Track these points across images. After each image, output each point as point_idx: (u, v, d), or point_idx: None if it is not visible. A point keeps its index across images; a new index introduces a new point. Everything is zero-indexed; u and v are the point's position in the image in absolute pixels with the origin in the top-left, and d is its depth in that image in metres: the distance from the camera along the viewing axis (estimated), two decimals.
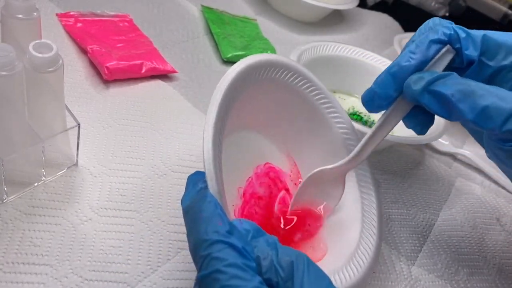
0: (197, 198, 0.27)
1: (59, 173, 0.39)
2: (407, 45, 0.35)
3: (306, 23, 0.79)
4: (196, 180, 0.29)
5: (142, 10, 0.64)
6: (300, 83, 0.40)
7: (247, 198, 0.39)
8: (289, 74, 0.38)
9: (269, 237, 0.27)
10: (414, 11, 0.96)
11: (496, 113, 0.30)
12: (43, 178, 0.38)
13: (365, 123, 0.58)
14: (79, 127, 0.38)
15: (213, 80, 0.58)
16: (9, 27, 0.36)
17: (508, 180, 0.58)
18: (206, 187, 0.28)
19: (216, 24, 0.66)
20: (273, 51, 0.65)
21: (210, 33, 0.66)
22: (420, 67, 0.33)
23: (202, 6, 0.70)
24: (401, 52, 0.34)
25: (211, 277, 0.24)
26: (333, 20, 0.83)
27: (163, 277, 0.35)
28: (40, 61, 0.32)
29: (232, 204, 0.37)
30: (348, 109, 0.59)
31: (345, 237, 0.39)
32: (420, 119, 0.34)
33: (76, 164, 0.40)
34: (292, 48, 0.70)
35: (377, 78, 0.35)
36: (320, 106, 0.41)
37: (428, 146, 0.60)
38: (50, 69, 0.33)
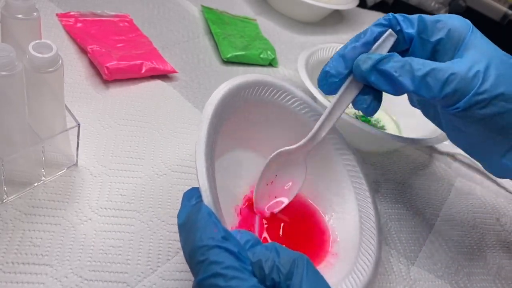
0: (192, 211, 0.28)
1: (59, 173, 0.39)
2: None
3: (306, 23, 0.79)
4: (191, 195, 0.30)
5: (142, 10, 0.64)
6: (285, 99, 0.41)
7: (244, 215, 0.39)
8: (274, 91, 0.40)
9: (267, 244, 0.28)
10: (414, 11, 0.96)
11: (433, 82, 0.34)
12: (43, 178, 0.38)
13: (373, 126, 0.58)
14: (79, 127, 0.38)
15: (213, 80, 0.58)
16: (9, 27, 0.36)
17: (508, 180, 0.58)
18: (200, 200, 0.29)
19: (216, 24, 0.66)
20: (273, 51, 0.65)
21: (210, 33, 0.66)
22: (365, 47, 0.37)
23: (202, 6, 0.70)
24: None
25: (210, 280, 0.25)
26: (333, 20, 0.83)
27: (163, 277, 0.35)
28: (40, 61, 0.32)
29: (230, 225, 0.38)
30: (355, 112, 0.59)
31: (344, 248, 0.39)
32: (367, 98, 0.38)
33: (76, 164, 0.40)
34: (292, 48, 0.71)
35: (328, 61, 0.38)
36: (309, 120, 0.42)
37: (428, 146, 0.60)
38: (50, 69, 0.33)
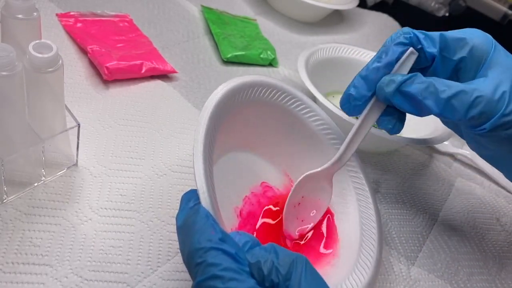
0: (190, 214, 0.28)
1: (59, 173, 0.39)
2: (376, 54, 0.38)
3: (306, 23, 0.79)
4: (189, 197, 0.30)
5: (142, 10, 0.64)
6: (285, 100, 0.41)
7: (244, 216, 0.39)
8: (272, 92, 0.40)
9: (266, 245, 0.28)
10: (414, 11, 0.96)
11: (458, 104, 0.34)
12: (43, 178, 0.38)
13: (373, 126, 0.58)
14: (79, 127, 0.38)
15: (213, 80, 0.58)
16: (9, 27, 0.36)
17: (508, 180, 0.58)
18: (198, 202, 0.29)
19: (216, 24, 0.66)
20: (273, 51, 0.65)
21: (210, 33, 0.66)
22: (387, 68, 0.36)
23: (202, 6, 0.70)
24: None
25: (208, 282, 0.25)
26: (333, 20, 0.83)
27: (163, 277, 0.35)
28: (40, 61, 0.32)
29: (230, 226, 0.38)
30: None
31: (345, 248, 0.39)
32: (392, 119, 0.37)
33: (76, 164, 0.40)
34: (292, 48, 0.71)
35: (350, 83, 0.38)
36: (309, 121, 0.42)
37: (428, 147, 0.60)
38: (50, 69, 0.33)
